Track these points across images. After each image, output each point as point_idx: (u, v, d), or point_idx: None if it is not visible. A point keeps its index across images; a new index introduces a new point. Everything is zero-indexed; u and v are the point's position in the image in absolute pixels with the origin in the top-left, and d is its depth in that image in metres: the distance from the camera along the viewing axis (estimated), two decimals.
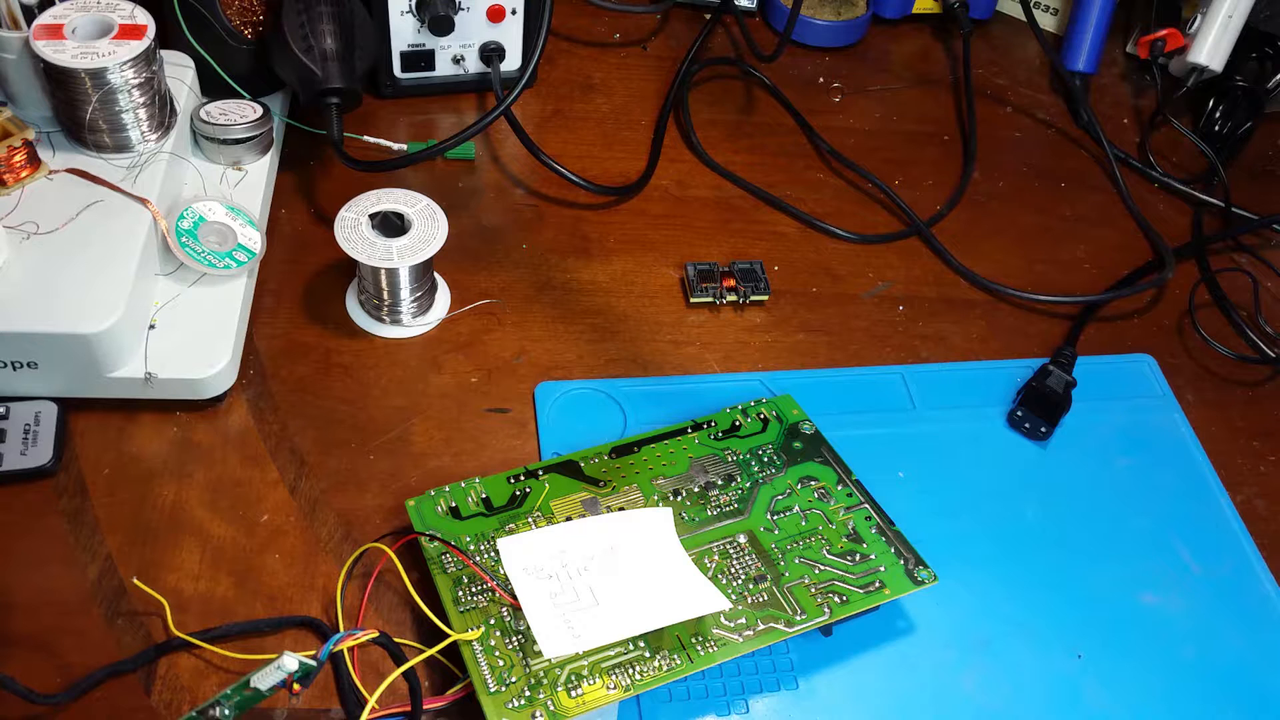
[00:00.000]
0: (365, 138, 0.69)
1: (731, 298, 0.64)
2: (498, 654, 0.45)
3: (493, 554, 0.49)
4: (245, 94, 0.63)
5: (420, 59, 0.71)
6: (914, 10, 0.85)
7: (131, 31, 0.55)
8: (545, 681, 0.45)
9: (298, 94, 0.63)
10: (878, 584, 0.49)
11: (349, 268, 0.62)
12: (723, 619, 0.47)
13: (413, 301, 0.60)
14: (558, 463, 0.53)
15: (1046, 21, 0.87)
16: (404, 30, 0.69)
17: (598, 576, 0.48)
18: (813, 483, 0.53)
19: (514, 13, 0.70)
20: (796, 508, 0.52)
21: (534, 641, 0.45)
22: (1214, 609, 0.54)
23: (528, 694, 0.44)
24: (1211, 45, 0.77)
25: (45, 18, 0.55)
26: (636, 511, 0.51)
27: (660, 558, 0.49)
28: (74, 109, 0.55)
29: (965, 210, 0.73)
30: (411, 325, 0.60)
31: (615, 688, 0.45)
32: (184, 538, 0.51)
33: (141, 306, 0.54)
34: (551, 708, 0.44)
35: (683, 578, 0.48)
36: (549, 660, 0.45)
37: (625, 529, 0.50)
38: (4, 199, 0.54)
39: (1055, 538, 0.56)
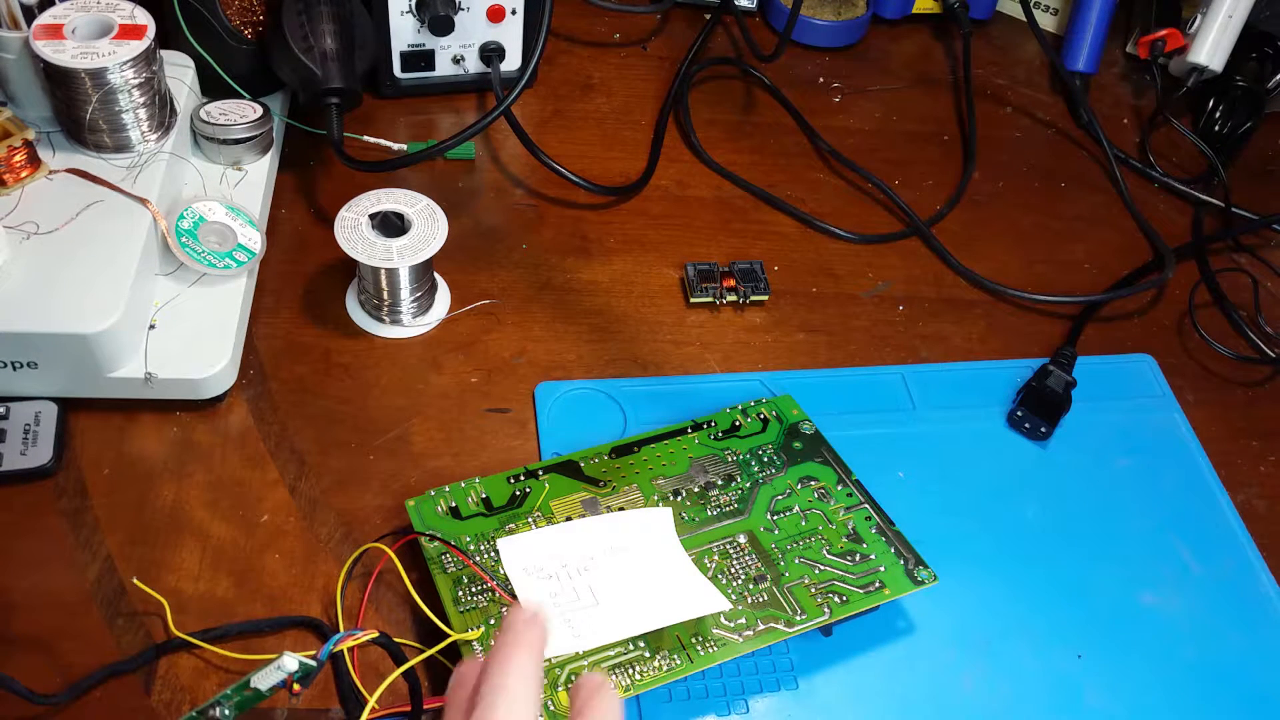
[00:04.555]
0: (365, 138, 0.69)
1: (731, 298, 0.64)
2: None
3: (493, 554, 0.49)
4: (245, 94, 0.63)
5: (420, 59, 0.71)
6: (914, 10, 0.85)
7: (131, 31, 0.55)
8: (545, 681, 0.45)
9: (298, 94, 0.63)
10: (878, 584, 0.49)
11: (349, 268, 0.62)
12: (723, 619, 0.47)
13: (413, 301, 0.60)
14: (558, 463, 0.53)
15: (1046, 21, 0.87)
16: (404, 30, 0.69)
17: (597, 576, 0.48)
18: (813, 483, 0.53)
19: (514, 13, 0.70)
20: (796, 508, 0.52)
21: None
22: (1214, 609, 0.54)
23: None
24: (1211, 45, 0.77)
25: (45, 18, 0.55)
26: (636, 511, 0.51)
27: (660, 558, 0.49)
28: (74, 109, 0.55)
29: (965, 210, 0.73)
30: (411, 325, 0.60)
31: (615, 688, 0.45)
32: (184, 538, 0.51)
33: (141, 306, 0.54)
34: (551, 708, 0.44)
35: (683, 578, 0.48)
36: (549, 660, 0.45)
37: (625, 529, 0.50)
38: (4, 199, 0.54)
39: (1055, 538, 0.56)
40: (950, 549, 0.53)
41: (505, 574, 0.47)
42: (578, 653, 0.45)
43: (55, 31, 0.54)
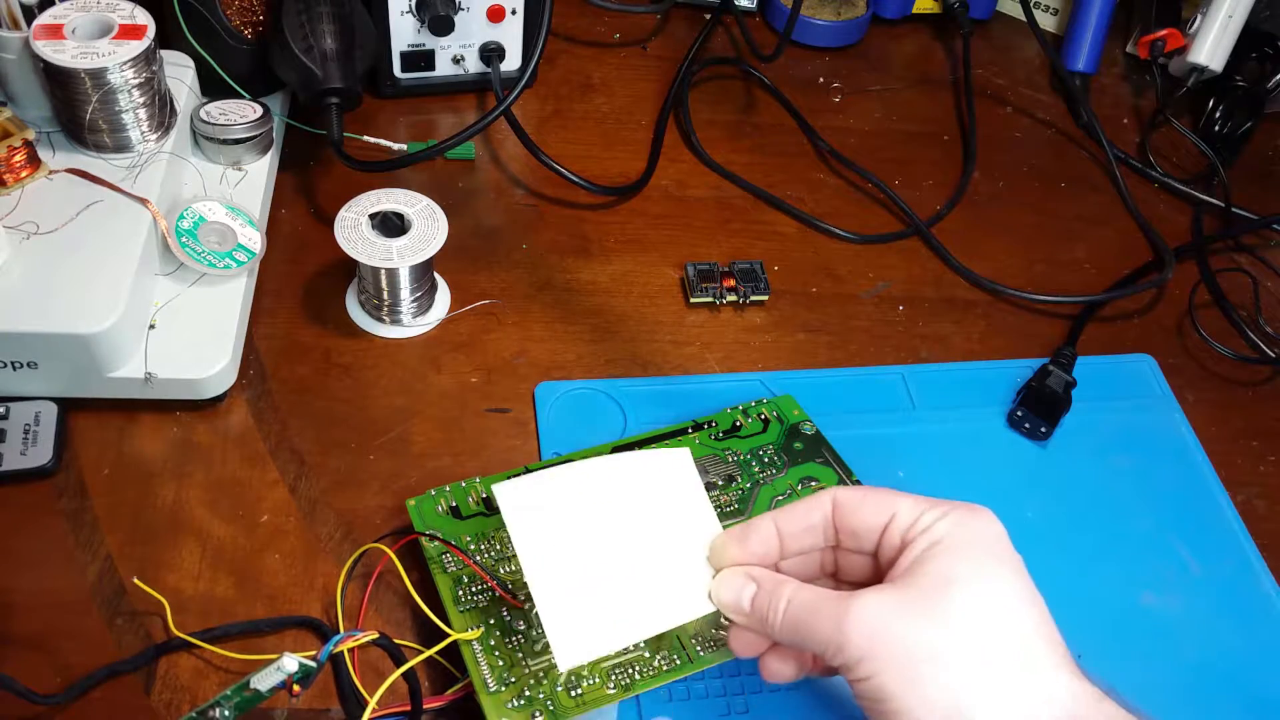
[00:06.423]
0: (365, 138, 0.69)
1: (731, 298, 0.64)
2: (498, 654, 0.45)
3: (493, 554, 0.49)
4: (245, 94, 0.63)
5: (420, 59, 0.71)
6: (914, 10, 0.85)
7: (131, 31, 0.55)
8: (545, 681, 0.45)
9: (298, 94, 0.63)
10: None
11: (349, 268, 0.62)
12: (723, 619, 0.47)
13: (413, 301, 0.60)
14: (558, 463, 0.53)
15: (1046, 21, 0.87)
16: (404, 30, 0.69)
17: (615, 540, 0.44)
18: (813, 483, 0.53)
19: (514, 13, 0.70)
20: None
21: (536, 641, 0.45)
22: (1214, 609, 0.54)
23: (527, 694, 0.44)
24: (1211, 45, 0.77)
25: (45, 18, 0.55)
26: (651, 453, 0.46)
27: (681, 511, 0.45)
28: (74, 109, 0.55)
29: (965, 210, 0.73)
30: (411, 325, 0.60)
31: (615, 688, 0.45)
32: (184, 538, 0.51)
33: (141, 306, 0.54)
34: (551, 708, 0.44)
35: (704, 546, 0.45)
36: (548, 660, 0.45)
37: (640, 474, 0.45)
38: (4, 199, 0.54)
39: (1055, 538, 0.56)
40: None
41: (507, 533, 0.43)
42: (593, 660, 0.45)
43: (55, 31, 0.54)
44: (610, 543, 0.44)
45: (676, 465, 0.46)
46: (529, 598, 0.44)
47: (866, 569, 0.43)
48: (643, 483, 0.45)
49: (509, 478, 0.52)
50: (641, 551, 0.44)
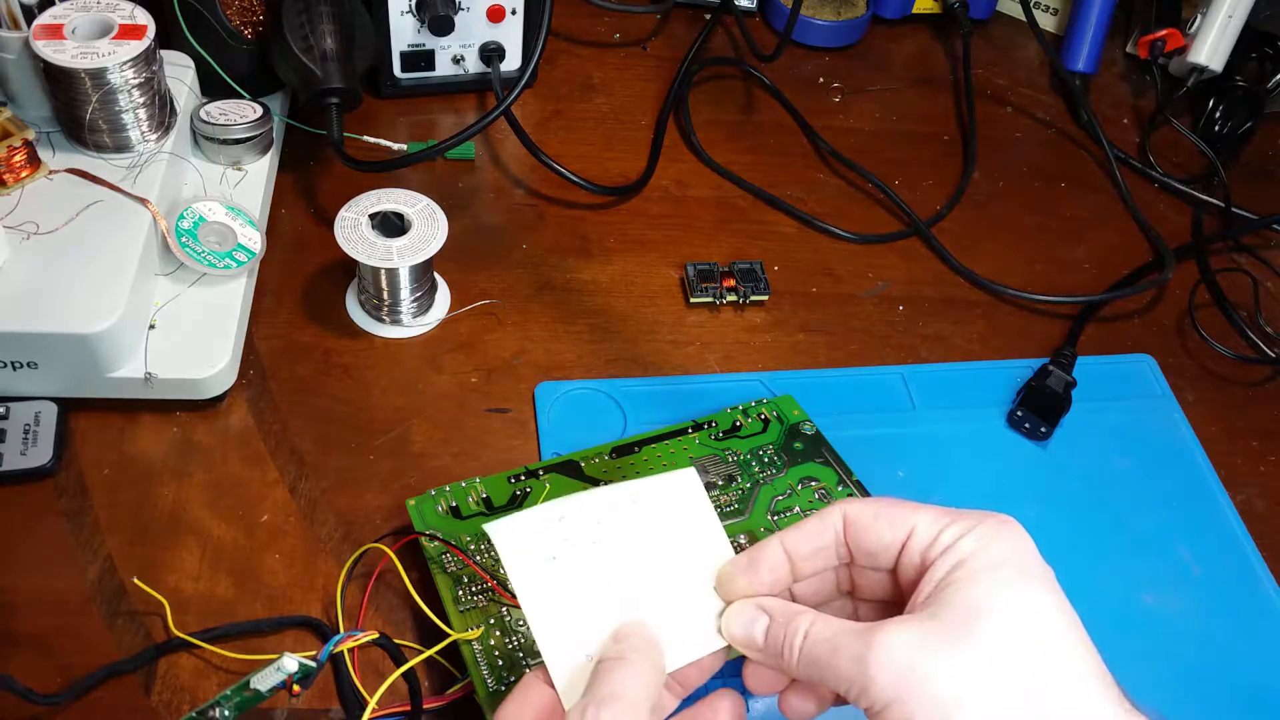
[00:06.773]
0: (365, 138, 0.69)
1: (731, 298, 0.64)
2: (497, 654, 0.45)
3: (493, 554, 0.49)
4: (245, 94, 0.63)
5: (420, 59, 0.71)
6: (914, 10, 0.85)
7: (131, 31, 0.55)
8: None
9: (298, 94, 0.63)
10: None
11: (349, 268, 0.62)
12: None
13: (413, 301, 0.60)
14: (558, 462, 0.53)
15: (1046, 21, 0.87)
16: (404, 30, 0.69)
17: (623, 577, 0.40)
18: (813, 483, 0.53)
19: (514, 13, 0.70)
20: (797, 508, 0.52)
21: (536, 641, 0.45)
22: (1214, 609, 0.54)
23: None
24: (1211, 45, 0.77)
25: (45, 18, 0.55)
26: (656, 479, 0.42)
27: (692, 539, 0.42)
28: (74, 109, 0.55)
29: (965, 210, 0.73)
30: (411, 325, 0.60)
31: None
32: (184, 538, 0.51)
33: (141, 306, 0.54)
34: None
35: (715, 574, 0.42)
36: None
37: (645, 500, 0.42)
38: (4, 199, 0.54)
39: (1055, 538, 0.55)
40: None
41: (504, 573, 0.43)
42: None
43: (55, 31, 0.54)
44: (618, 581, 0.40)
45: (684, 487, 0.42)
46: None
47: (886, 586, 0.40)
48: (649, 511, 0.42)
49: (509, 478, 0.52)
50: (651, 586, 0.40)
